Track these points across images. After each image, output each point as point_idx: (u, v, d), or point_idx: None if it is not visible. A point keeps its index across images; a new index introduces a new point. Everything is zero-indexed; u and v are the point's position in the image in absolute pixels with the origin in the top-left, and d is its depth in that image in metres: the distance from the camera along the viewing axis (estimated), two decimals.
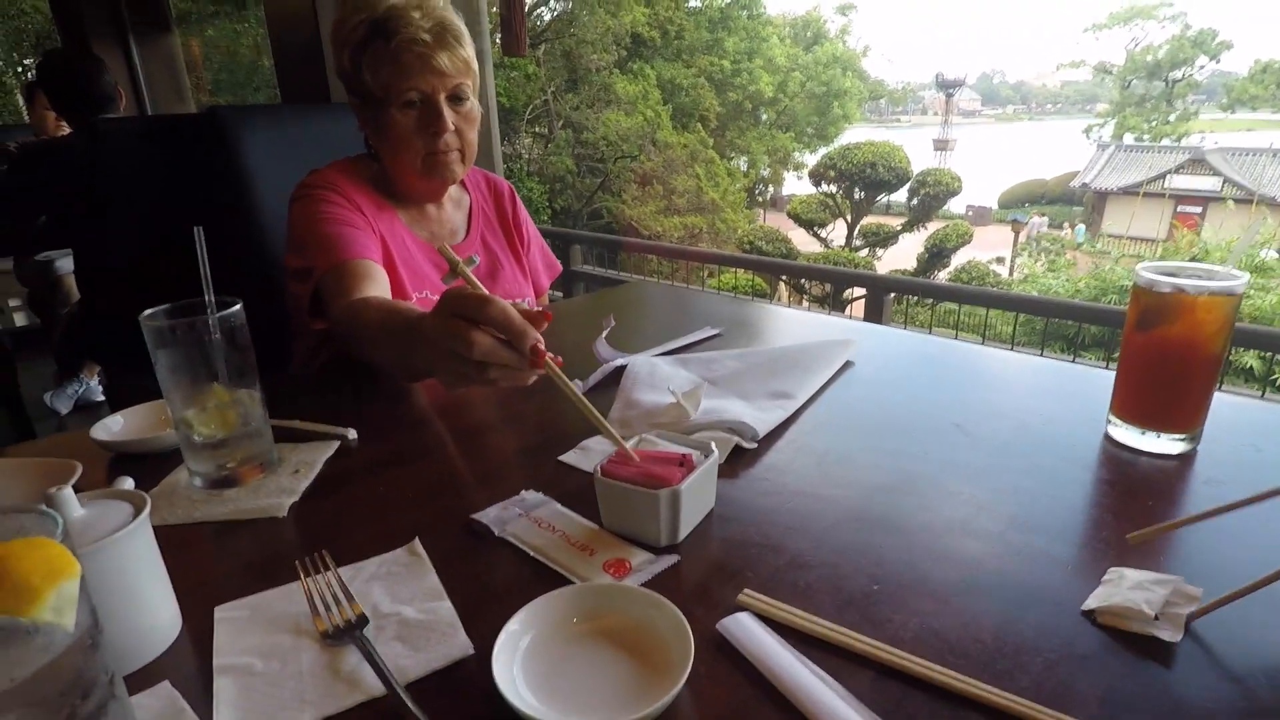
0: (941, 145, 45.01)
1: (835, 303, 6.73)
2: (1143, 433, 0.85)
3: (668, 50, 22.49)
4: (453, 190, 1.42)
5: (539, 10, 16.30)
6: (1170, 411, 0.83)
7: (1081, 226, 29.43)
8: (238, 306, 0.75)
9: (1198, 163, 29.23)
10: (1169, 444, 0.84)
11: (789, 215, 13.00)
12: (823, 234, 12.70)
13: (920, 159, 26.16)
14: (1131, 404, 0.86)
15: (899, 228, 12.21)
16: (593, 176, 15.39)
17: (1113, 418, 0.89)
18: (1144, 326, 0.82)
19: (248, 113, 1.59)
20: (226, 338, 0.75)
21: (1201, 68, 39.13)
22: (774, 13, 33.57)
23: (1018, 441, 0.87)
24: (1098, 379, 1.03)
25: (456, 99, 1.25)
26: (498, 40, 3.14)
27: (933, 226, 12.23)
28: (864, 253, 12.24)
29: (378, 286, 1.12)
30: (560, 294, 5.74)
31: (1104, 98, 55.88)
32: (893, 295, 5.28)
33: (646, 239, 14.84)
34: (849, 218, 12.33)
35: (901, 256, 12.95)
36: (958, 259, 11.67)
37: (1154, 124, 37.64)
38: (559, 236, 6.74)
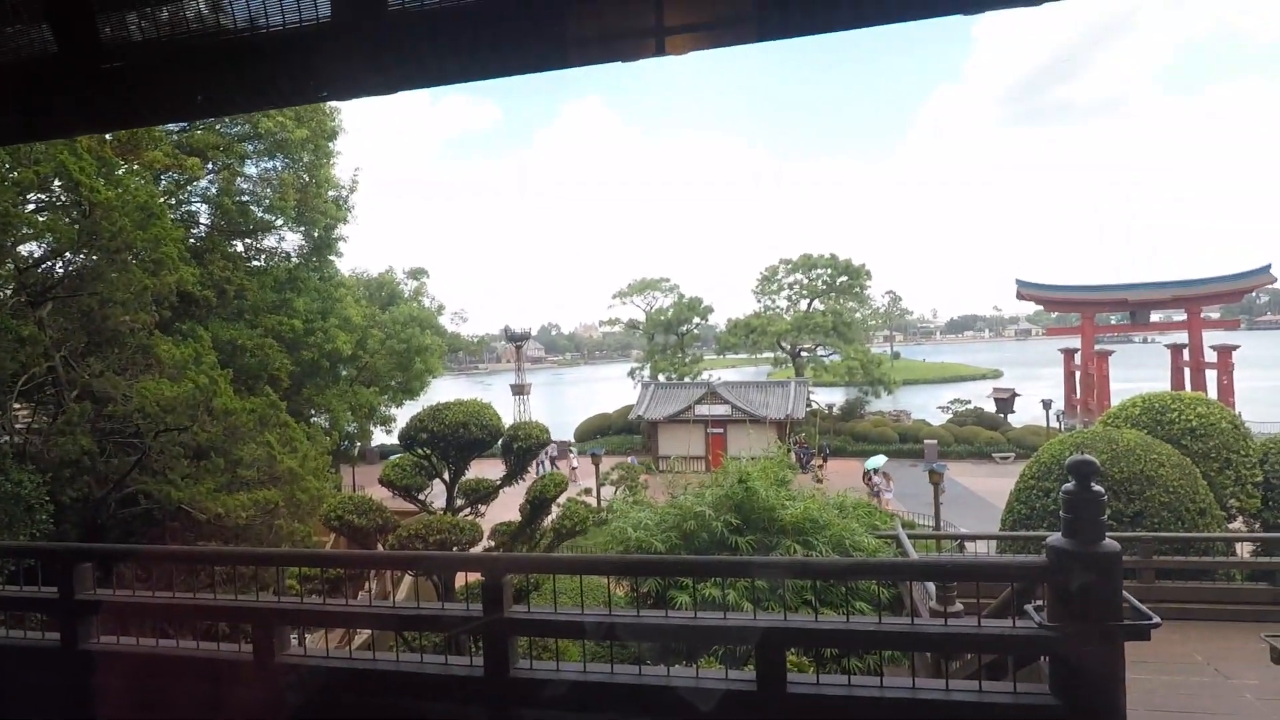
0: (519, 390, 49.32)
1: (449, 591, 6.02)
2: None
3: (226, 310, 20.69)
4: None
5: (47, 265, 13.59)
6: None
7: (632, 458, 33.97)
8: None
9: (713, 394, 37.12)
10: None
11: (381, 482, 12.04)
12: (421, 497, 11.99)
13: (500, 401, 28.06)
14: None
15: (498, 482, 12.22)
16: (125, 455, 12.40)
17: None
18: None
19: None
20: None
21: (697, 324, 51.48)
22: (347, 271, 34.37)
23: None
24: None
25: None
26: None
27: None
28: (465, 512, 11.81)
29: None
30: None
31: (637, 345, 69.10)
32: (509, 576, 4.85)
33: (203, 522, 12.21)
34: (446, 477, 11.94)
35: (505, 510, 12.87)
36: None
37: (676, 366, 47.37)
38: (48, 555, 4.76)
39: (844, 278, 46.87)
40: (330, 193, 25.16)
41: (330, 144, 24.70)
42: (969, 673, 4.62)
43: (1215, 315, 39.54)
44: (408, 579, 14.96)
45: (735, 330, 48.03)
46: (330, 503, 11.64)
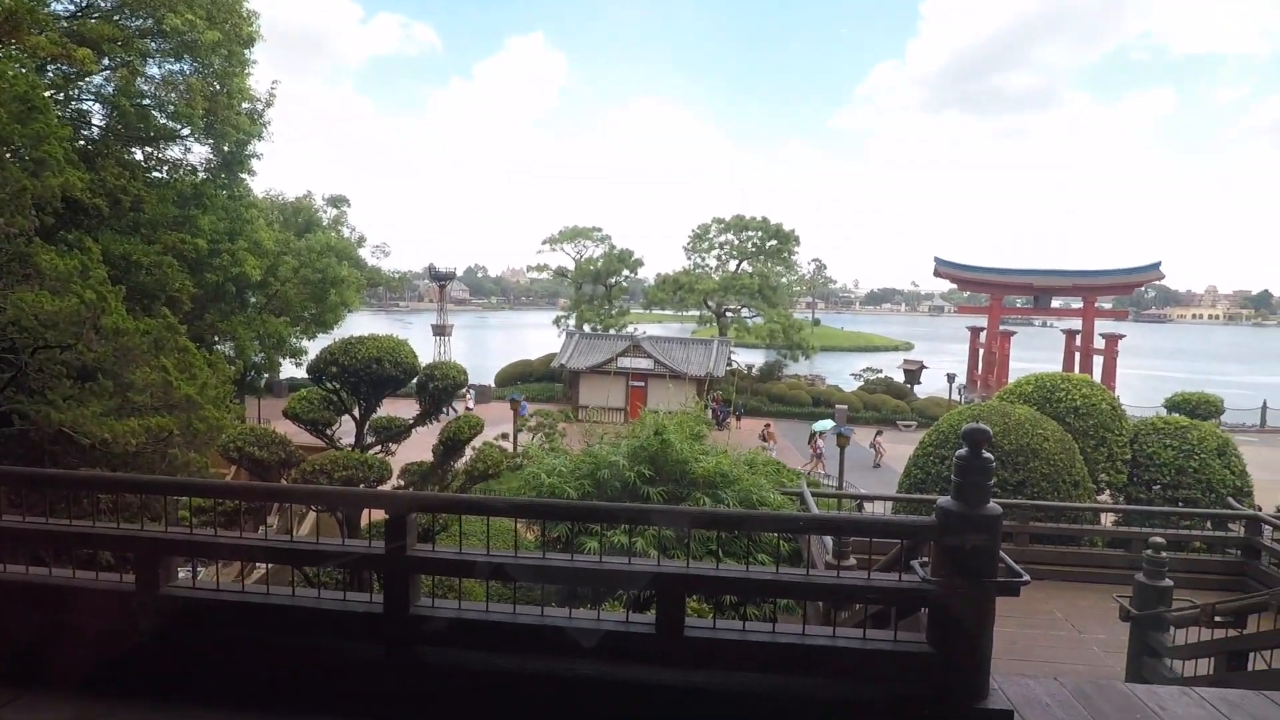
0: (440, 330, 48.18)
1: (353, 529, 5.86)
2: None
3: (121, 222, 19.12)
4: None
5: None
6: None
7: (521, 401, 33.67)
8: None
9: (637, 348, 37.30)
10: None
11: (286, 415, 11.53)
12: (329, 432, 11.58)
13: (420, 341, 27.23)
14: None
15: (411, 421, 11.92)
16: None
17: None
18: None
19: None
20: None
21: (626, 277, 51.26)
22: (260, 192, 32.25)
23: None
24: None
25: None
26: None
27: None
28: (376, 450, 11.50)
29: None
30: None
31: (565, 294, 68.39)
32: (414, 515, 4.76)
33: (88, 448, 11.48)
34: (357, 414, 11.55)
35: (418, 450, 12.61)
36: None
37: (602, 317, 47.20)
38: None
39: (773, 241, 47.49)
40: (244, 105, 23.36)
41: (246, 51, 22.85)
42: (855, 623, 4.89)
43: (1108, 306, 42.49)
44: (311, 516, 14.57)
45: (664, 286, 48.12)
46: (230, 433, 11.12)
